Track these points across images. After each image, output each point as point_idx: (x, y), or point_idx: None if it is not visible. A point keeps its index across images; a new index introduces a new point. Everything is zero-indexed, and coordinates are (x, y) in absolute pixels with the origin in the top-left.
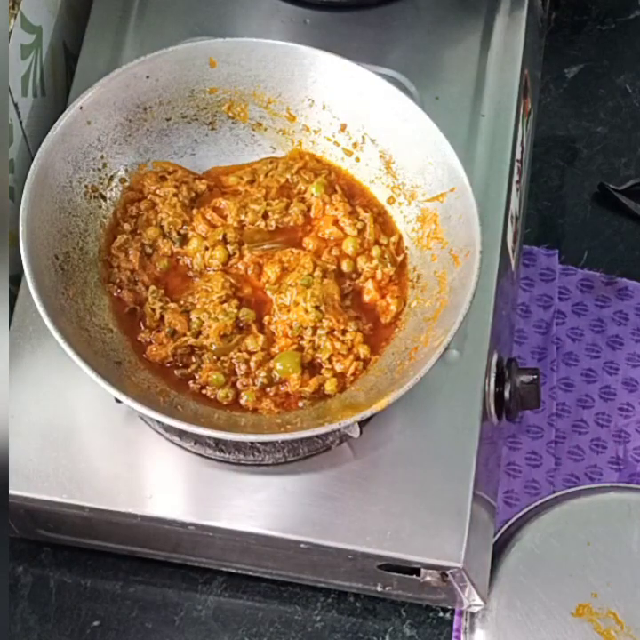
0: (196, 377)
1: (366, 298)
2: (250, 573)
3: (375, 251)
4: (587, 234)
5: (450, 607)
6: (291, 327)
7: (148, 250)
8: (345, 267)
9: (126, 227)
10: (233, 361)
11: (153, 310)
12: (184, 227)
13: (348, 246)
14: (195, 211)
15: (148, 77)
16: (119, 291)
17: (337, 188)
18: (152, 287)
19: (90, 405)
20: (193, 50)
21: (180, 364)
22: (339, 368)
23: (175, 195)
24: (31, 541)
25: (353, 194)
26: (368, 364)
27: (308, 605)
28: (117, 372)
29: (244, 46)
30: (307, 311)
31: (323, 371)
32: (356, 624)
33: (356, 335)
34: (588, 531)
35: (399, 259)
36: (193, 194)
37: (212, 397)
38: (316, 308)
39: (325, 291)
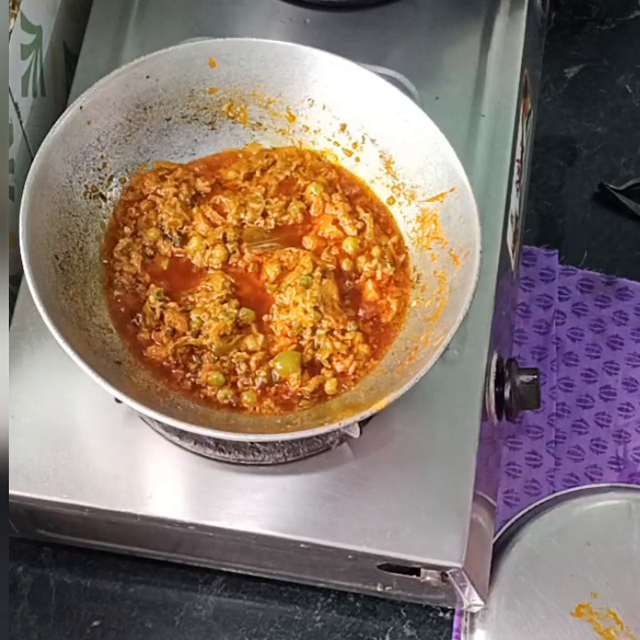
0: (196, 377)
1: (366, 298)
2: (250, 573)
3: (375, 251)
4: (587, 234)
5: (450, 607)
6: (290, 327)
7: (150, 251)
8: (345, 266)
9: (127, 230)
10: (233, 361)
11: (153, 309)
12: (184, 226)
13: (348, 246)
14: (195, 209)
15: (148, 77)
16: (121, 294)
17: (338, 187)
18: (152, 286)
19: (90, 405)
20: (193, 50)
21: (180, 364)
22: (339, 368)
23: (175, 194)
24: (31, 541)
25: (353, 194)
26: (368, 363)
27: (308, 605)
28: (117, 372)
29: (244, 46)
30: (305, 311)
31: (323, 371)
32: (356, 624)
33: (355, 335)
34: (588, 531)
35: (400, 259)
36: (193, 192)
37: (212, 397)
38: (315, 308)
39: (324, 291)
